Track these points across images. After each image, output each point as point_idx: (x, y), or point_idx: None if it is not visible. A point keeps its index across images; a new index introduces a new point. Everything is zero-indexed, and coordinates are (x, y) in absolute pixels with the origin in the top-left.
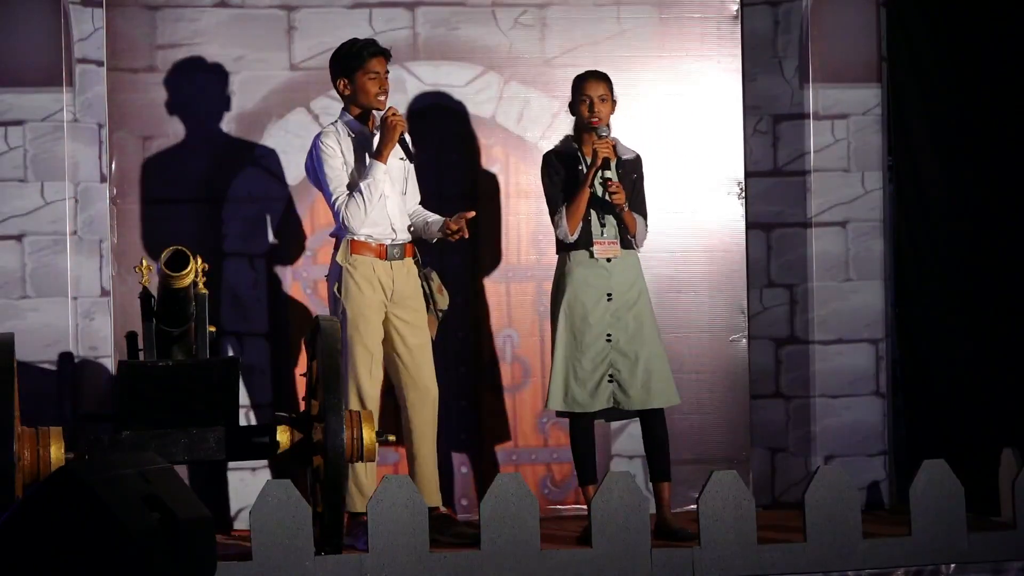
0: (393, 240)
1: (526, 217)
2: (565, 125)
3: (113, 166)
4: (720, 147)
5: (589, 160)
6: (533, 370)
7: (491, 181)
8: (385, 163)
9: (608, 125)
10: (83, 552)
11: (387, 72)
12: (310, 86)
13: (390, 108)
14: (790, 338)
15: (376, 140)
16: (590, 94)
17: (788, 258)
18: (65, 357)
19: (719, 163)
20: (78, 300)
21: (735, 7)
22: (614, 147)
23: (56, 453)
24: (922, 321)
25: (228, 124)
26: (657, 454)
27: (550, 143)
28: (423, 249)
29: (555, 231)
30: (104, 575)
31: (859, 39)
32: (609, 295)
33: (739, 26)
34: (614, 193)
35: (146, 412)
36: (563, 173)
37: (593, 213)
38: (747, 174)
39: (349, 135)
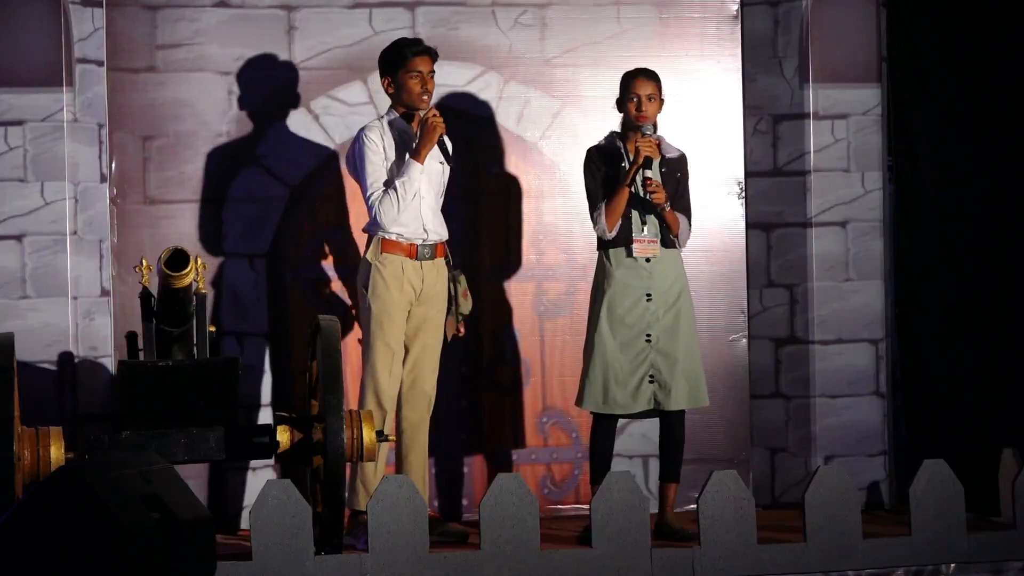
0: (424, 240)
1: (526, 217)
2: (566, 125)
3: (113, 166)
4: (720, 147)
5: (633, 158)
6: (533, 370)
7: (491, 182)
8: (422, 163)
9: (655, 124)
10: (83, 552)
11: (432, 72)
12: (310, 86)
13: (431, 109)
14: (790, 338)
15: (413, 138)
16: (639, 92)
17: (788, 258)
18: (65, 357)
19: (719, 163)
20: (78, 300)
21: (735, 7)
22: (658, 146)
23: (56, 453)
24: (922, 321)
25: (228, 124)
26: (671, 455)
27: (550, 143)
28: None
29: (594, 227)
30: (104, 575)
31: (859, 39)
32: (649, 295)
33: (739, 26)
34: (653, 192)
35: (146, 412)
36: (604, 169)
37: (634, 211)
38: (747, 174)
39: (392, 132)
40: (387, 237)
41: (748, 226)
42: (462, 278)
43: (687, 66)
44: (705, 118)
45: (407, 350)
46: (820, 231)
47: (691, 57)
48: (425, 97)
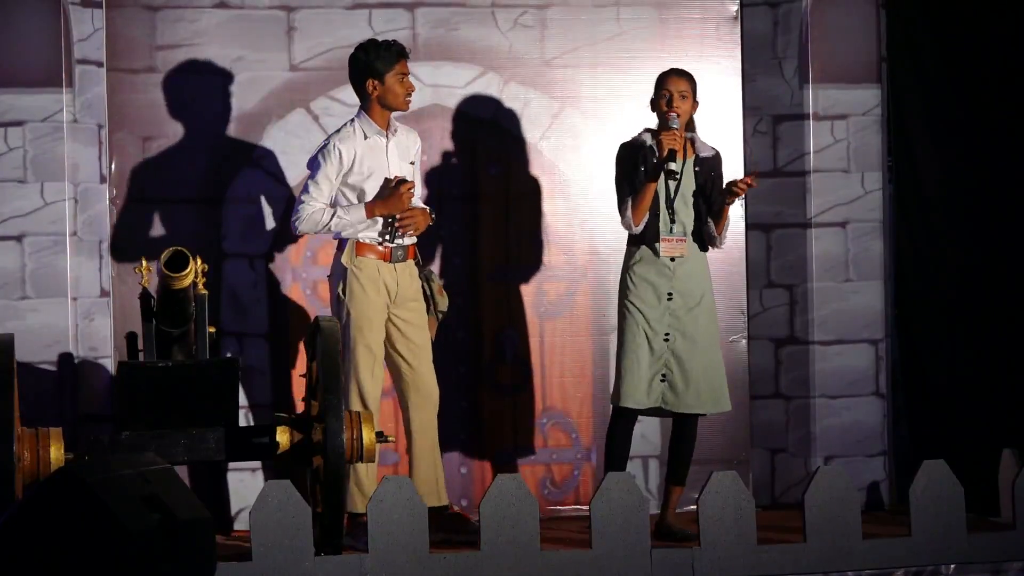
0: (398, 243)
1: (526, 218)
2: (565, 126)
3: (113, 167)
4: (720, 148)
5: (658, 157)
6: (533, 371)
7: (491, 182)
8: (369, 218)
9: (689, 122)
10: (83, 553)
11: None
12: (310, 87)
13: (408, 184)
14: (790, 339)
15: (386, 144)
16: (671, 89)
17: (788, 259)
18: (65, 358)
19: None
20: (78, 301)
21: (735, 8)
22: (693, 144)
23: (56, 454)
24: (922, 321)
25: (228, 125)
26: (681, 458)
27: (550, 144)
28: (424, 250)
29: (621, 221)
30: (104, 575)
31: (859, 39)
32: (670, 295)
33: (739, 27)
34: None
35: (146, 413)
36: (633, 164)
37: (663, 209)
38: (747, 175)
39: (365, 137)
40: (362, 241)
41: (748, 227)
42: (435, 276)
43: (687, 67)
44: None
45: (402, 358)
46: (820, 232)
47: (691, 58)
48: (409, 99)
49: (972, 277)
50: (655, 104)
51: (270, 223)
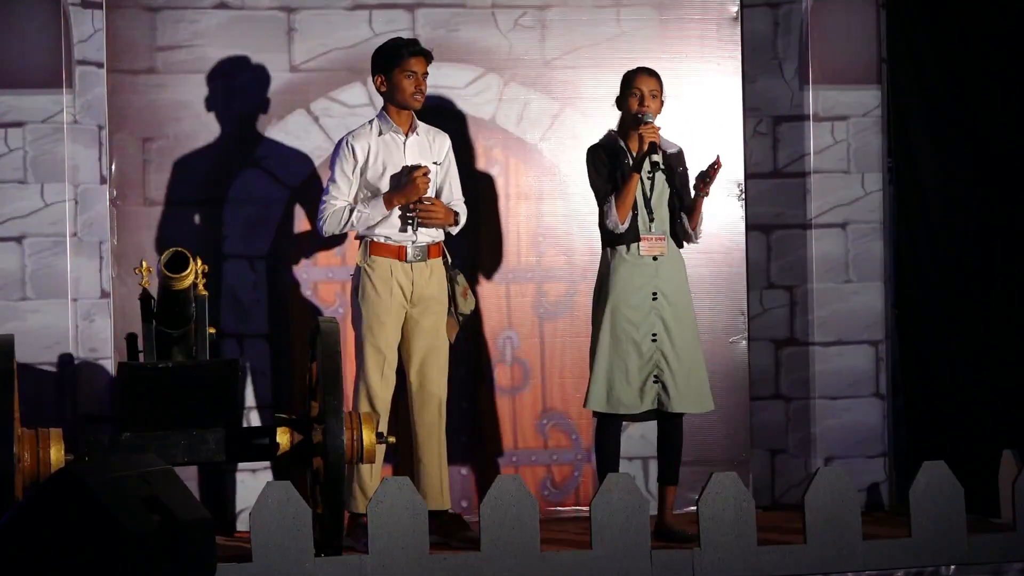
0: (413, 242)
1: (526, 219)
2: (566, 127)
3: (113, 168)
4: (720, 149)
5: (635, 153)
6: (533, 372)
7: (491, 183)
8: (388, 210)
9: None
10: (83, 554)
11: (426, 74)
12: (310, 88)
13: (423, 168)
14: (790, 340)
15: (403, 142)
16: (642, 88)
17: (788, 260)
18: (65, 359)
19: None
20: (78, 302)
21: (735, 9)
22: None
23: (56, 455)
24: (922, 322)
25: (228, 126)
26: (670, 458)
27: (550, 144)
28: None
29: (605, 221)
30: None
31: (859, 40)
32: (655, 294)
33: (739, 28)
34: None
35: (146, 414)
36: (609, 164)
37: (642, 208)
38: (747, 175)
39: (380, 135)
40: (376, 240)
41: (748, 228)
42: (460, 277)
43: (687, 68)
44: (705, 120)
45: (412, 355)
46: (820, 232)
47: (691, 59)
48: (418, 97)
49: (972, 277)
50: (622, 102)
51: (271, 224)
